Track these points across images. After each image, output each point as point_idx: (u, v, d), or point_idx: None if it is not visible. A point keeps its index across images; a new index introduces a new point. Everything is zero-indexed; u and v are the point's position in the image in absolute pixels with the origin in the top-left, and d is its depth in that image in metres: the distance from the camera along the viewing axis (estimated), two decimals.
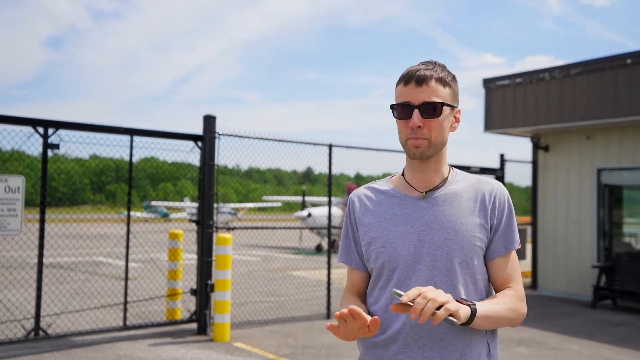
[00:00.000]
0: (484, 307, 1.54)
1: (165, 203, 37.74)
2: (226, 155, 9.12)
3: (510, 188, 15.92)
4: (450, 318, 1.40)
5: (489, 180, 1.75)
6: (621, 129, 9.93)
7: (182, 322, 7.25)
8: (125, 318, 6.84)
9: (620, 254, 9.62)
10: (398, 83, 1.70)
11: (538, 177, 11.28)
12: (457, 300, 1.50)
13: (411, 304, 1.39)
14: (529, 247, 11.84)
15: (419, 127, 1.62)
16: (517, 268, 1.73)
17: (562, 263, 10.70)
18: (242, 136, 7.58)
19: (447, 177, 1.72)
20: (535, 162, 11.33)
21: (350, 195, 1.84)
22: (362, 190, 1.82)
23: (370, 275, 1.78)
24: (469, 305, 1.49)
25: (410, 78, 1.64)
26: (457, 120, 1.73)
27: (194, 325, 7.19)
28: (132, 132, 6.89)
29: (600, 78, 9.41)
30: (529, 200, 12.54)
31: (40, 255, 6.28)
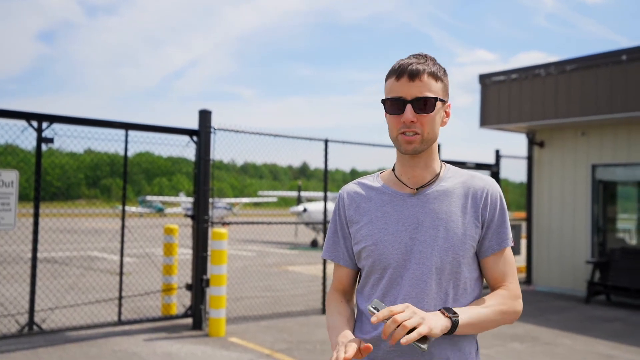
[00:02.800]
0: (467, 315, 1.53)
1: (161, 198, 37.73)
2: (222, 150, 9.10)
3: (505, 184, 15.96)
4: (418, 344, 1.39)
5: (482, 177, 1.71)
6: (616, 125, 9.96)
7: (177, 317, 7.25)
8: (120, 313, 6.83)
9: (614, 250, 9.66)
10: (389, 77, 1.65)
11: (533, 173, 11.31)
12: (440, 311, 1.50)
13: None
14: (523, 242, 11.87)
15: (412, 122, 1.59)
16: (511, 265, 1.68)
17: (556, 258, 10.74)
18: (238, 131, 7.55)
19: (438, 173, 1.69)
20: (530, 158, 11.36)
21: (340, 190, 1.81)
22: (351, 186, 1.79)
23: (357, 271, 1.78)
24: (449, 318, 1.48)
25: (402, 72, 1.60)
26: (447, 115, 1.70)
27: (189, 321, 7.19)
28: (127, 126, 6.86)
29: (595, 74, 9.43)
30: (523, 195, 12.57)
31: (35, 250, 6.25)
